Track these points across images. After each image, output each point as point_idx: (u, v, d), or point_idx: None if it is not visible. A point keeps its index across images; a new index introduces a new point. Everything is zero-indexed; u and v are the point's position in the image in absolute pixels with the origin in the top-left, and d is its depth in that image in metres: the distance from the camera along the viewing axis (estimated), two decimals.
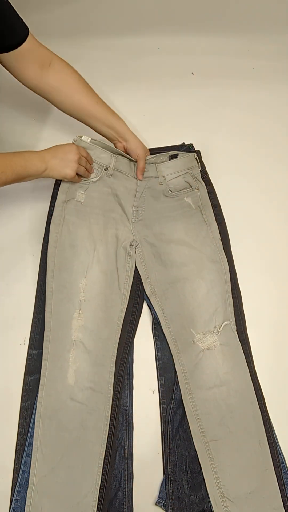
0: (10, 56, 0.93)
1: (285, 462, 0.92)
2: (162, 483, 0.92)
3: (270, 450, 0.91)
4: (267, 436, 0.92)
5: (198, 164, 1.09)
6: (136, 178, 1.07)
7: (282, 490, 0.88)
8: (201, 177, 1.11)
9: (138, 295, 1.04)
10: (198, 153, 1.12)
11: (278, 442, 0.93)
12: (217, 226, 1.08)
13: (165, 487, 0.90)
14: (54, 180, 1.15)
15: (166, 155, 1.08)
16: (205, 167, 1.13)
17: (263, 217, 1.18)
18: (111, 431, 0.91)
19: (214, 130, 1.27)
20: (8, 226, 1.14)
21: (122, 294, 1.01)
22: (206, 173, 1.13)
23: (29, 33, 0.94)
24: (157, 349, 1.02)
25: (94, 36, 1.39)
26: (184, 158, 1.07)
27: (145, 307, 1.06)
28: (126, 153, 1.07)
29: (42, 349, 0.97)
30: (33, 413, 0.94)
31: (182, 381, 0.96)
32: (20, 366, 0.99)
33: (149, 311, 1.06)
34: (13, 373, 0.99)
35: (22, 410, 0.95)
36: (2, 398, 0.97)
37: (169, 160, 1.08)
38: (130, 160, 1.07)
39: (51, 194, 1.15)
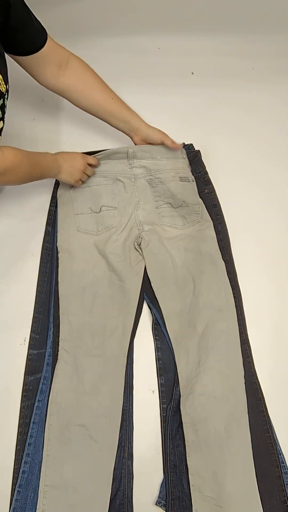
0: (30, 59, 0.96)
1: (285, 462, 0.92)
2: (162, 483, 0.91)
3: (270, 450, 0.91)
4: (266, 436, 0.92)
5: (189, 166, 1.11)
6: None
7: (282, 490, 0.88)
8: (201, 177, 1.11)
9: (138, 295, 1.04)
10: (198, 152, 1.12)
11: (278, 442, 0.93)
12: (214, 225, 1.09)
13: (165, 487, 0.90)
14: (54, 180, 1.16)
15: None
16: (205, 167, 1.13)
17: (263, 217, 1.18)
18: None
19: (214, 130, 1.27)
20: (8, 226, 1.14)
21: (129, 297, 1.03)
22: (206, 173, 1.13)
23: (48, 36, 0.95)
24: (157, 349, 1.02)
25: (94, 36, 1.39)
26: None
27: (145, 307, 1.06)
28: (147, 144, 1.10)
29: (42, 349, 0.97)
30: (33, 413, 0.94)
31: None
32: (20, 366, 0.99)
33: (149, 311, 1.06)
34: (13, 373, 0.98)
35: (22, 410, 0.95)
36: (2, 398, 0.97)
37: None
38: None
39: (51, 194, 1.15)
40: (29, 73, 1.01)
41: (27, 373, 0.98)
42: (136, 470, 0.92)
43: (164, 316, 1.02)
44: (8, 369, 0.99)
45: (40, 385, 0.96)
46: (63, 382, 0.94)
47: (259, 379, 0.98)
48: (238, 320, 1.01)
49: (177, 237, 1.08)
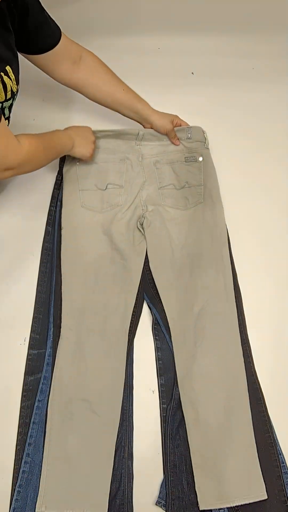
0: (45, 57, 0.97)
1: (285, 462, 0.92)
2: (162, 483, 0.91)
3: (270, 450, 0.91)
4: (266, 436, 0.92)
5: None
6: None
7: (282, 490, 0.88)
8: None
9: (138, 295, 1.04)
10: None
11: (278, 442, 0.93)
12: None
13: (165, 487, 0.90)
14: (54, 180, 1.16)
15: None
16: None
17: (264, 217, 1.18)
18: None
19: (213, 130, 1.26)
20: (8, 226, 1.14)
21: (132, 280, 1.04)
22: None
23: (61, 33, 0.97)
24: (157, 349, 1.02)
25: (94, 36, 1.39)
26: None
27: (145, 307, 1.06)
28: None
29: (42, 349, 0.97)
30: (33, 413, 0.94)
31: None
32: (20, 366, 0.99)
33: (149, 311, 1.06)
34: (13, 373, 0.98)
35: (22, 410, 0.94)
36: (2, 398, 0.97)
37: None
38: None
39: (51, 194, 1.15)
40: (43, 70, 1.02)
41: (27, 373, 0.98)
42: (136, 470, 0.92)
43: (161, 297, 1.03)
44: (8, 369, 0.99)
45: (40, 385, 0.96)
46: (65, 359, 0.95)
47: (259, 379, 0.98)
48: (238, 320, 1.01)
49: (179, 218, 1.09)
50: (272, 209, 1.19)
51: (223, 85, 1.35)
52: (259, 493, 0.86)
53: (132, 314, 1.02)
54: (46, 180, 1.18)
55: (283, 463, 0.91)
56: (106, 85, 1.06)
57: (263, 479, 0.88)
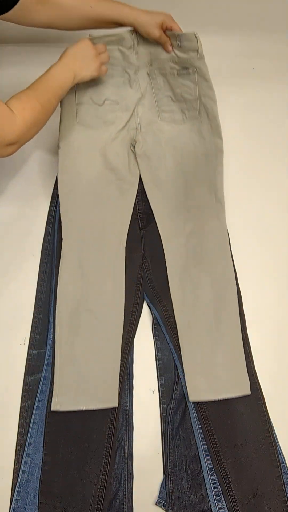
0: (15, 11, 0.90)
1: (285, 462, 0.92)
2: (162, 483, 0.91)
3: (270, 450, 0.91)
4: (266, 436, 0.92)
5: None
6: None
7: (282, 490, 0.88)
8: None
9: (138, 295, 1.04)
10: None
11: (278, 442, 0.93)
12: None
13: (165, 487, 0.90)
14: (55, 179, 1.16)
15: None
16: None
17: (264, 217, 1.18)
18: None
19: None
20: (8, 225, 1.14)
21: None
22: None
23: None
24: (157, 349, 1.02)
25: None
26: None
27: (145, 307, 1.06)
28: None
29: (42, 349, 0.97)
30: (33, 413, 0.94)
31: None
32: (20, 366, 0.99)
33: (149, 311, 1.06)
34: (13, 373, 0.99)
35: (22, 410, 0.94)
36: (2, 398, 0.97)
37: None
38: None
39: (51, 194, 1.15)
40: (15, 22, 0.95)
41: (27, 373, 0.98)
42: (136, 470, 0.92)
43: (155, 216, 1.05)
44: (8, 369, 0.99)
45: (40, 385, 0.96)
46: (68, 274, 0.98)
47: (259, 379, 0.98)
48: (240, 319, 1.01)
49: (175, 135, 1.09)
50: (273, 208, 1.19)
51: (223, 85, 1.34)
52: (244, 389, 0.92)
53: (132, 314, 1.02)
54: (46, 180, 1.18)
55: (283, 463, 0.91)
56: (72, 11, 0.96)
57: (263, 478, 0.88)
